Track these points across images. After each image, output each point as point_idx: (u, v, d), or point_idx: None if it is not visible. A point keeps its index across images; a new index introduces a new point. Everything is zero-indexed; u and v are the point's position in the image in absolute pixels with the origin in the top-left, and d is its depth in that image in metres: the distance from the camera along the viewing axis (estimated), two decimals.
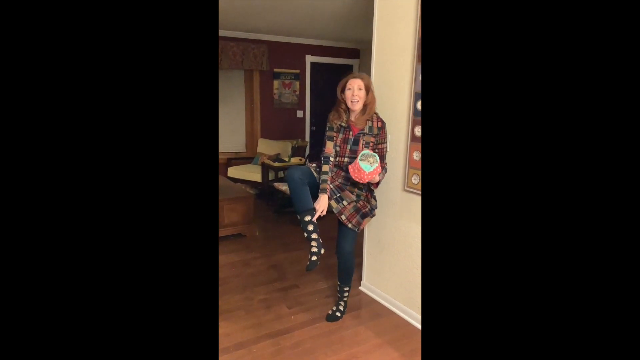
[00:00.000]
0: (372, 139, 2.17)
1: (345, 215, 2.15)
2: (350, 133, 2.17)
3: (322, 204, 2.07)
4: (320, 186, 2.10)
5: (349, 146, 2.17)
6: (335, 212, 2.15)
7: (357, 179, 2.04)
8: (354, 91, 2.10)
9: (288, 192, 3.10)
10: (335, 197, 2.16)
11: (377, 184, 2.24)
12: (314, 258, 2.05)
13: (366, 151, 2.05)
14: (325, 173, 2.11)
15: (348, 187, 2.22)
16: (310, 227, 2.05)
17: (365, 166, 2.00)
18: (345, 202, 2.16)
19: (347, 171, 2.12)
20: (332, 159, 2.16)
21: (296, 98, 6.05)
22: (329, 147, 2.16)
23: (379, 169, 2.03)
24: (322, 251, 2.08)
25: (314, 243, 2.06)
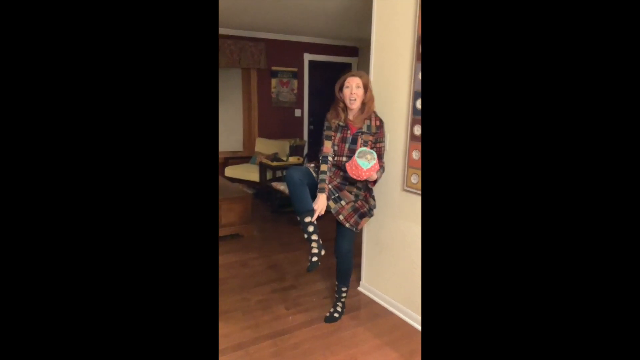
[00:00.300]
0: (371, 138, 2.15)
1: (343, 215, 2.14)
2: (349, 132, 2.16)
3: (320, 204, 2.05)
4: (319, 186, 2.08)
5: (347, 145, 2.15)
6: (333, 212, 2.14)
7: (354, 177, 2.02)
8: (352, 89, 2.08)
9: (286, 191, 3.08)
10: (333, 197, 2.14)
11: (375, 182, 2.22)
12: (315, 259, 2.04)
13: (364, 148, 2.03)
14: (324, 172, 2.09)
15: (346, 187, 2.20)
16: (311, 228, 2.04)
17: (363, 163, 1.98)
18: (343, 202, 2.15)
19: (345, 170, 2.10)
20: (330, 158, 2.15)
21: (294, 97, 6.03)
22: (327, 147, 2.15)
23: (377, 166, 2.02)
24: (323, 252, 2.06)
25: (314, 244, 2.04)
